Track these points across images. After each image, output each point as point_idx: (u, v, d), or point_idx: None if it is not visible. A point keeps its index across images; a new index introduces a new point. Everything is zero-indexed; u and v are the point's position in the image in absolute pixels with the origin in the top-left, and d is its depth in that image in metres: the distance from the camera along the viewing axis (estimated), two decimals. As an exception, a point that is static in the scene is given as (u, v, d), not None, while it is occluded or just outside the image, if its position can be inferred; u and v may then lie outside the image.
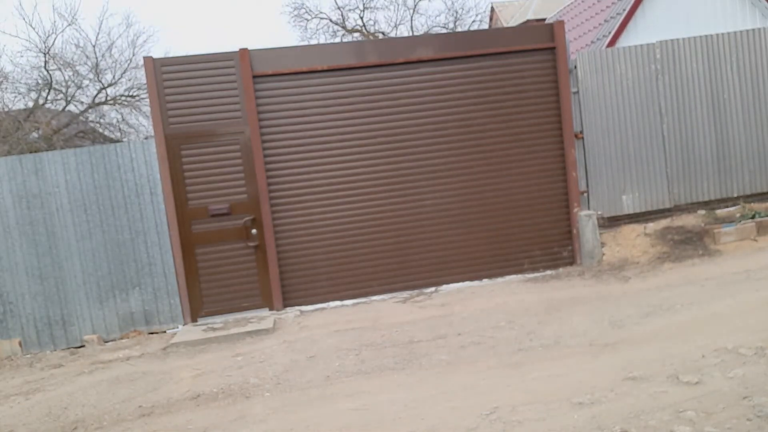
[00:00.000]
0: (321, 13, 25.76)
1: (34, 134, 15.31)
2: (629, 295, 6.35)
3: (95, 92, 17.48)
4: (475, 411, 4.01)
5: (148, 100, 8.33)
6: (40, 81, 16.44)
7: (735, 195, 8.37)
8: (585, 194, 7.99)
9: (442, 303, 6.98)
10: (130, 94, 17.85)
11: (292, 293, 7.45)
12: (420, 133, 7.59)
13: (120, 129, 18.20)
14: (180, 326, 7.20)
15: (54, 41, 17.81)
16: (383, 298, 7.50)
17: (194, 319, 7.24)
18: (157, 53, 16.41)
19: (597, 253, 7.72)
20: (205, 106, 7.20)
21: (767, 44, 8.34)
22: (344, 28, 24.22)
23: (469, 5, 35.47)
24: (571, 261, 7.91)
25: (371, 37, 23.28)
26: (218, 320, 7.17)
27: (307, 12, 24.50)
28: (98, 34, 22.00)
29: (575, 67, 7.95)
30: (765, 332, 4.67)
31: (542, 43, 7.74)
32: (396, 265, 7.61)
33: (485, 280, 7.70)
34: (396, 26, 24.40)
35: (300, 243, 7.44)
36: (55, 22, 27.64)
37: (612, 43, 11.91)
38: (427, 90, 7.58)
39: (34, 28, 23.60)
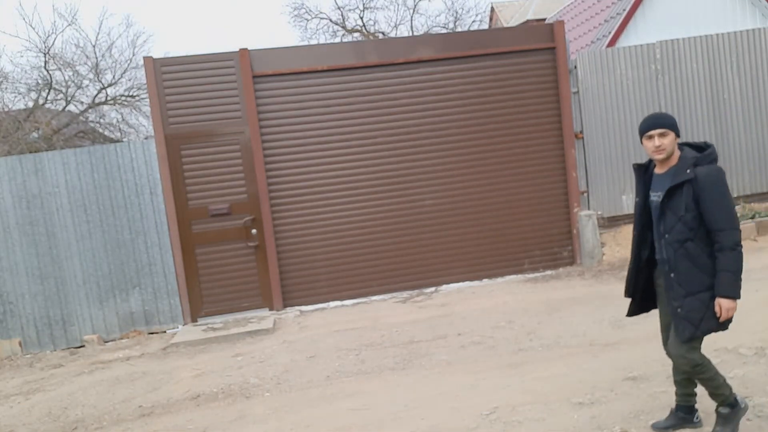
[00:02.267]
0: (321, 13, 25.76)
1: (34, 134, 15.28)
2: (629, 295, 6.34)
3: (95, 92, 17.46)
4: (475, 411, 4.02)
5: (148, 100, 8.33)
6: (40, 81, 16.42)
7: (735, 195, 8.37)
8: (585, 194, 7.99)
9: (442, 303, 6.98)
10: (130, 94, 17.82)
11: (292, 293, 7.45)
12: (420, 133, 7.59)
13: (120, 129, 18.18)
14: (180, 326, 7.20)
15: (54, 41, 17.87)
16: (383, 298, 7.50)
17: (194, 319, 7.24)
18: (157, 53, 16.35)
19: (597, 253, 7.72)
20: (205, 106, 7.20)
21: (767, 44, 8.34)
22: (344, 28, 24.19)
23: (469, 5, 35.56)
24: (571, 261, 7.91)
25: (371, 37, 23.25)
26: (218, 320, 7.18)
27: (307, 12, 24.49)
28: (98, 34, 22.08)
29: (575, 67, 7.95)
30: (765, 332, 4.68)
31: (542, 43, 7.74)
32: (396, 265, 7.61)
33: (485, 280, 7.70)
34: (396, 26, 24.37)
35: (300, 243, 7.44)
36: (55, 22, 27.73)
37: (612, 43, 11.90)
38: (427, 90, 7.58)
39: (34, 28, 23.67)
